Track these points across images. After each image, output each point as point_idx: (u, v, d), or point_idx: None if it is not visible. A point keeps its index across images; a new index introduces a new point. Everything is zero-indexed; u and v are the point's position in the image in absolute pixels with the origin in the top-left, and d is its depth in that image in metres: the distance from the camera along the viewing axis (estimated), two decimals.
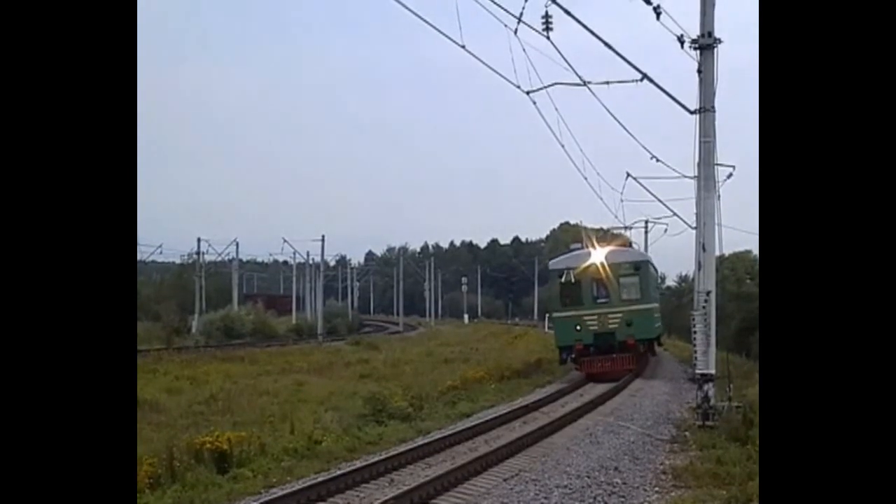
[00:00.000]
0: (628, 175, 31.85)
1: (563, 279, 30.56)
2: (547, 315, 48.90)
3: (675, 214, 35.33)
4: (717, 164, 20.69)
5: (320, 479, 12.92)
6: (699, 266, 20.02)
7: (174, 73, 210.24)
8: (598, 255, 30.12)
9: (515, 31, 17.32)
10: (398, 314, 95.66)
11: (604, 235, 36.08)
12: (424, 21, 14.94)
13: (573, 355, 30.27)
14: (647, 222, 43.12)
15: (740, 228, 59.47)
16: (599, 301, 30.48)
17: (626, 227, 41.11)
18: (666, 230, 41.58)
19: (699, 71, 18.69)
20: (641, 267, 31.08)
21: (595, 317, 30.10)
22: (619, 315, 29.91)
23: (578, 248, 31.35)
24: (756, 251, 54.43)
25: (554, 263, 32.09)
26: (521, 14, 16.74)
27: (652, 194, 35.12)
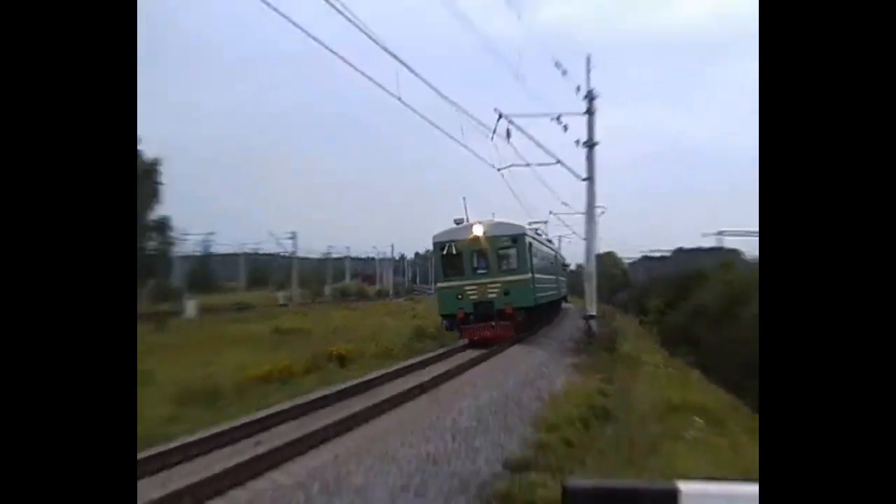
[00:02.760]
0: (551, 212, 33.09)
1: (445, 252, 20.53)
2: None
3: (574, 233, 36.34)
4: (597, 206, 21.66)
5: (393, 368, 14.03)
6: (587, 259, 20.91)
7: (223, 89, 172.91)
8: (478, 229, 20.56)
9: (491, 138, 18.13)
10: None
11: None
12: (441, 131, 15.96)
13: (456, 322, 21.09)
14: (560, 237, 44.17)
15: (607, 239, 62.71)
16: (479, 272, 20.38)
17: (544, 222, 33.75)
18: (570, 241, 43.03)
19: (587, 158, 19.49)
20: (519, 240, 20.95)
21: (475, 287, 19.95)
22: (498, 285, 19.94)
23: (462, 223, 21.81)
24: (616, 252, 58.82)
25: (437, 237, 21.50)
26: (495, 129, 17.89)
27: (564, 224, 44.18)
